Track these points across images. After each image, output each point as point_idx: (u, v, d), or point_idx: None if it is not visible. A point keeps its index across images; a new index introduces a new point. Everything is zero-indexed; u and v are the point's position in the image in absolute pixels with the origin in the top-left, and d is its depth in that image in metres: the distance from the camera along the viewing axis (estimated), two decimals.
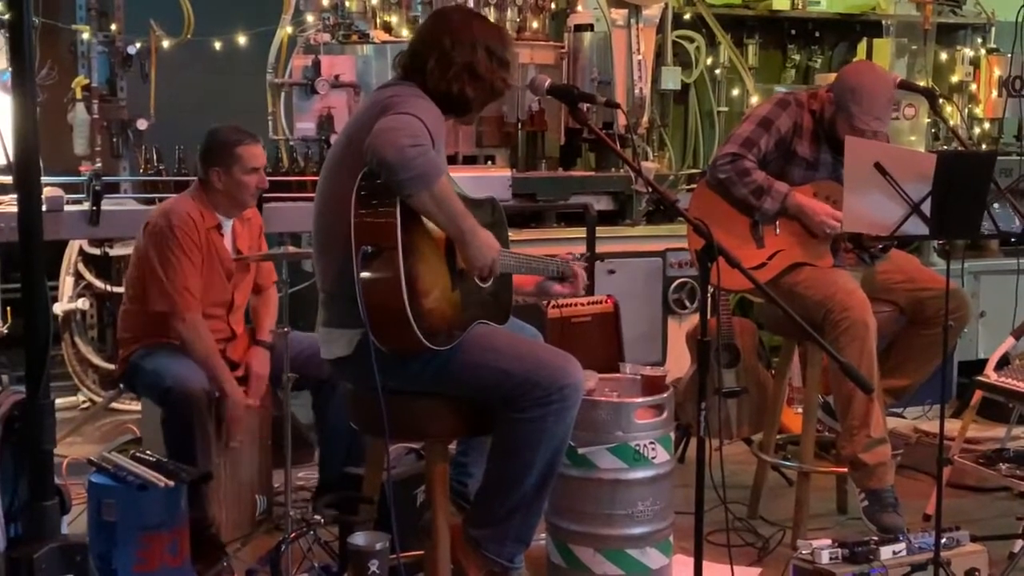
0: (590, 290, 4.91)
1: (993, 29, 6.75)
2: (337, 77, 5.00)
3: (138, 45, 4.98)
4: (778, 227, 4.03)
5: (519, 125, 5.56)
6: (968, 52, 6.53)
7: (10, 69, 2.14)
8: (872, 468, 3.85)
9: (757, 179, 3.96)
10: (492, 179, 5.09)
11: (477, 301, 3.10)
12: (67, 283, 5.63)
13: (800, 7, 6.48)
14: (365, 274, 2.84)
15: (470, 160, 5.51)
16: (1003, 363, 4.39)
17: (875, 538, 3.45)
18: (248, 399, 3.96)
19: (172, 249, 3.86)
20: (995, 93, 6.42)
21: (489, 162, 5.55)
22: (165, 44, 5.07)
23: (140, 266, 3.97)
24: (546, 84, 3.19)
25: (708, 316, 2.72)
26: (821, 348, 2.96)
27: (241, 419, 3.91)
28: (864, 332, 3.77)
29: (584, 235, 5.17)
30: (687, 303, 5.52)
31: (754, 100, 6.18)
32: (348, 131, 3.14)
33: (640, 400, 3.47)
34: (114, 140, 5.01)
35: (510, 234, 3.36)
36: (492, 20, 5.35)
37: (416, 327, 2.85)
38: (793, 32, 6.71)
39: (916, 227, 3.34)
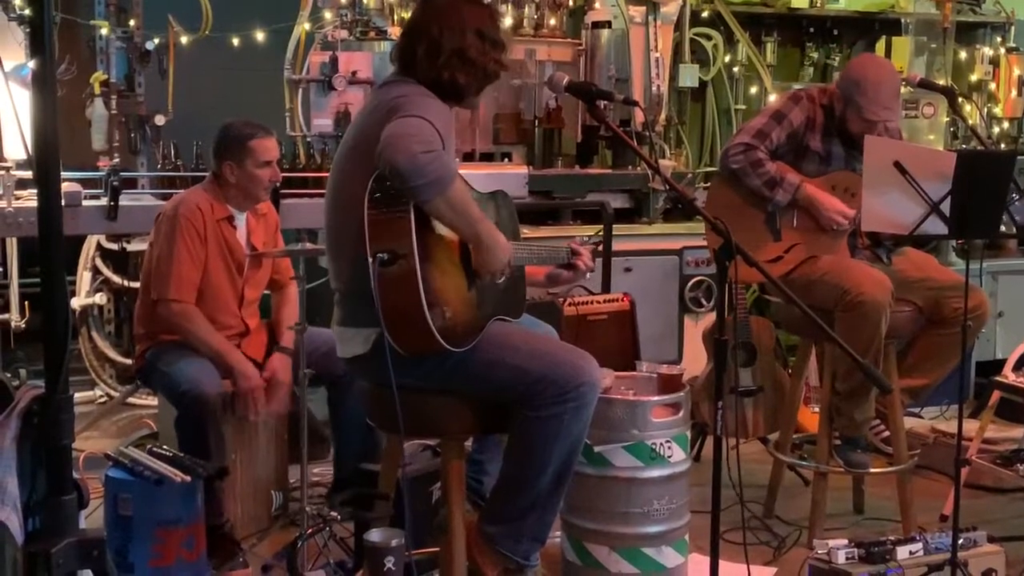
0: (607, 287, 4.92)
1: (1013, 28, 6.72)
2: (354, 73, 5.00)
3: (156, 41, 4.98)
4: (796, 219, 4.03)
5: (536, 122, 5.56)
6: (987, 51, 6.51)
7: (30, 64, 2.14)
8: (859, 424, 4.02)
9: (770, 170, 3.97)
10: (509, 176, 5.09)
11: (492, 297, 3.10)
12: (85, 278, 5.66)
13: (819, 5, 6.46)
14: (382, 281, 2.83)
15: (487, 157, 5.52)
16: (1021, 363, 4.38)
17: (892, 538, 3.44)
18: (273, 405, 3.96)
19: (173, 237, 3.86)
20: (1015, 92, 6.40)
21: (506, 159, 5.55)
22: (183, 40, 5.08)
23: (149, 257, 3.99)
24: (564, 81, 3.17)
25: (725, 314, 2.71)
26: (839, 348, 2.94)
27: (256, 393, 3.88)
28: (877, 313, 3.77)
29: (600, 232, 5.16)
30: (704, 301, 5.51)
31: (772, 98, 6.16)
32: (355, 131, 3.11)
33: (656, 398, 3.46)
34: (132, 136, 5.02)
35: (526, 231, 3.36)
36: (507, 16, 5.37)
37: (436, 332, 2.84)
38: (811, 30, 6.70)
39: (935, 226, 3.33)
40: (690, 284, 5.48)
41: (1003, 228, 3.57)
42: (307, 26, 5.26)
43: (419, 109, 2.85)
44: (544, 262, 3.38)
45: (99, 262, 5.69)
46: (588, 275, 3.53)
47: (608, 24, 5.76)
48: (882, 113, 3.92)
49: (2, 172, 4.36)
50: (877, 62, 4.21)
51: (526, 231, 3.36)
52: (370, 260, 2.83)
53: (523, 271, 3.30)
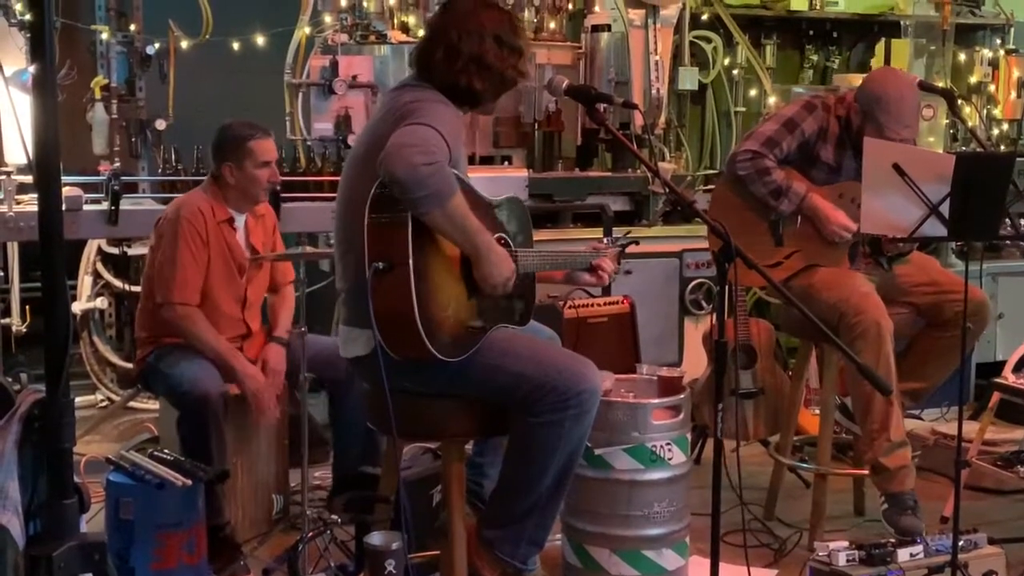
0: (607, 290, 4.92)
1: (1012, 30, 6.72)
2: (354, 77, 5.01)
3: (157, 45, 5.00)
4: (798, 226, 4.01)
5: (536, 125, 5.56)
6: (987, 53, 6.51)
7: (30, 69, 2.15)
8: (893, 472, 3.84)
9: (776, 179, 3.95)
10: (509, 179, 5.09)
11: (494, 307, 3.08)
12: (85, 282, 5.66)
13: (818, 7, 6.46)
14: (376, 289, 2.83)
15: (487, 160, 5.52)
16: (1021, 365, 4.38)
17: (892, 540, 3.44)
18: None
19: (176, 240, 3.86)
20: (1014, 94, 6.40)
21: (506, 162, 5.55)
22: (183, 44, 5.10)
23: (151, 261, 3.99)
24: (564, 85, 3.18)
25: (725, 317, 2.72)
26: (838, 350, 2.95)
27: (263, 393, 3.88)
28: (880, 335, 3.75)
29: (601, 235, 5.16)
30: (704, 304, 5.51)
31: (772, 101, 6.17)
32: (367, 135, 3.13)
33: (657, 401, 3.46)
34: (132, 140, 5.03)
35: None
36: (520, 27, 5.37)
37: (428, 342, 2.84)
38: (811, 32, 6.70)
39: (934, 228, 3.33)
40: (690, 286, 5.48)
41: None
42: (307, 30, 5.26)
43: (429, 117, 2.85)
44: (558, 267, 3.38)
45: (100, 266, 5.69)
46: (611, 280, 3.52)
47: (608, 27, 5.76)
48: (903, 132, 3.85)
49: (3, 177, 4.37)
50: (898, 77, 4.08)
51: None
52: (366, 267, 2.83)
53: (534, 279, 3.29)
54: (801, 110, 4.03)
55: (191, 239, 3.87)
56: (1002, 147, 6.33)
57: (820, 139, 4.01)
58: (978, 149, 4.85)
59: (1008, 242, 5.90)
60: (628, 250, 3.62)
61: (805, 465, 4.39)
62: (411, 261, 2.82)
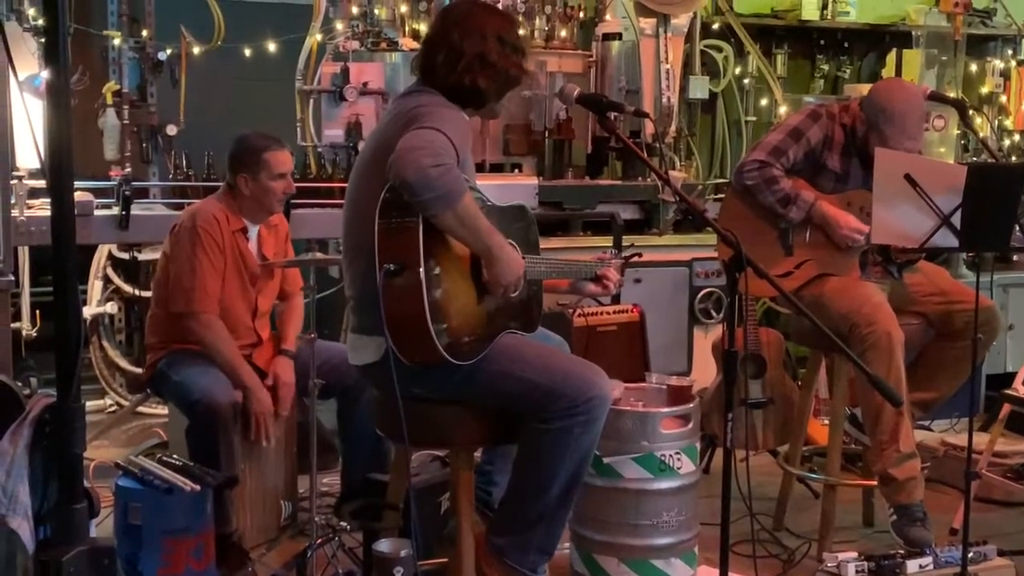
0: (616, 298, 4.92)
1: (1023, 41, 6.72)
2: (365, 84, 5.02)
3: (168, 51, 5.01)
4: (808, 236, 4.01)
5: (546, 133, 5.57)
6: (998, 64, 6.51)
7: (44, 74, 2.15)
8: (902, 483, 3.83)
9: (784, 187, 3.95)
10: (519, 187, 5.09)
11: (504, 311, 3.09)
12: (96, 287, 5.67)
13: (829, 17, 6.46)
14: (388, 291, 2.84)
15: (497, 168, 5.53)
16: None
17: (902, 551, 3.43)
18: (278, 408, 3.96)
19: (193, 249, 3.86)
20: None
21: (516, 170, 5.56)
22: (195, 51, 5.11)
23: (164, 268, 3.99)
24: (575, 93, 3.19)
25: (735, 326, 2.71)
26: (849, 360, 2.94)
27: (268, 415, 3.88)
28: (891, 346, 3.74)
29: (611, 244, 5.17)
30: (713, 313, 5.51)
31: (782, 110, 6.17)
32: (373, 141, 3.13)
33: (666, 410, 3.46)
34: (144, 145, 5.04)
35: None
36: (520, 29, 5.38)
37: (439, 344, 2.85)
38: (822, 42, 6.70)
39: (946, 239, 3.33)
40: (700, 295, 5.48)
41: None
42: (319, 37, 5.27)
43: (436, 121, 2.86)
44: (564, 276, 3.38)
45: (110, 271, 5.70)
46: (615, 290, 3.53)
47: (619, 36, 5.77)
48: (907, 143, 3.85)
49: (14, 181, 4.38)
50: (904, 89, 4.08)
51: None
52: (377, 270, 2.84)
53: (540, 285, 3.29)
54: (806, 119, 4.04)
55: (208, 247, 3.87)
56: (1013, 158, 6.32)
57: (826, 147, 4.01)
58: (989, 160, 4.84)
59: (1019, 253, 5.89)
60: (637, 259, 3.62)
61: (814, 475, 4.38)
62: (422, 264, 2.82)
